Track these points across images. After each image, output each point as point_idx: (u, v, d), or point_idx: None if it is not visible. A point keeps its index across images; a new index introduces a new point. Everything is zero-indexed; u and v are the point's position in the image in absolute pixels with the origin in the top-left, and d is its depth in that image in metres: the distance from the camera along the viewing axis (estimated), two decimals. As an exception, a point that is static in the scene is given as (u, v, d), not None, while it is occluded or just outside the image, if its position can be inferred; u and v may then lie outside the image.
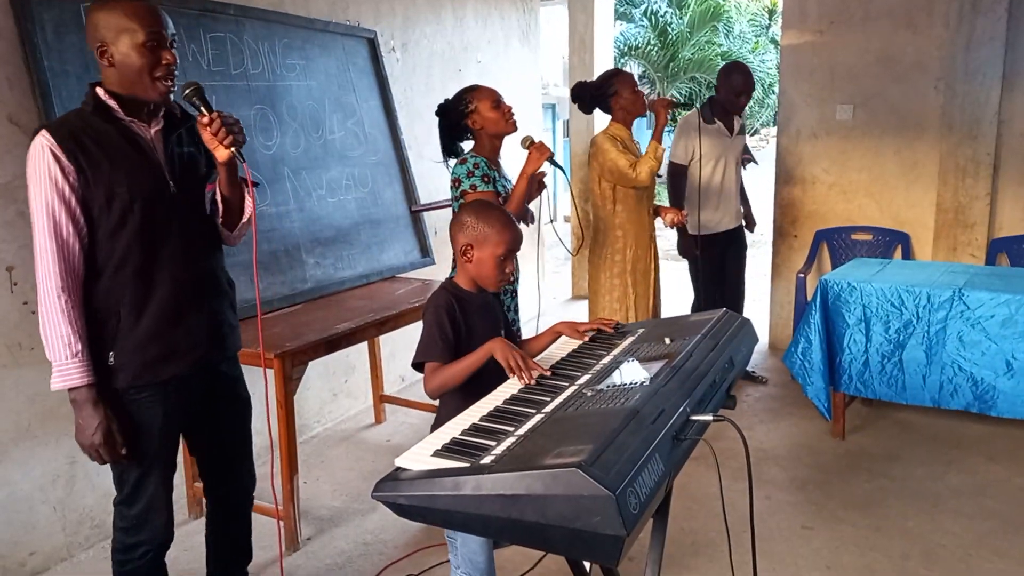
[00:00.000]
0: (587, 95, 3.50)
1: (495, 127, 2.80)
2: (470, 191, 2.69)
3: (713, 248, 4.17)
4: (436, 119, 2.92)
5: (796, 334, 3.66)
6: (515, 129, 2.85)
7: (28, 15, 2.46)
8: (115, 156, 1.75)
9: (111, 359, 1.79)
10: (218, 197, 1.96)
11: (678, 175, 4.13)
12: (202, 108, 1.82)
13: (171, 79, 1.80)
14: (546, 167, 2.81)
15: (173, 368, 1.87)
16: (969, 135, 4.28)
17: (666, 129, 3.46)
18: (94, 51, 1.76)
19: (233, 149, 1.81)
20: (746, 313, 4.43)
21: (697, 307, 4.35)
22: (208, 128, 1.80)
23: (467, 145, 2.93)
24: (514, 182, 2.81)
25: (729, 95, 4.04)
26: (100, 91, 1.78)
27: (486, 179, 2.72)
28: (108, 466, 1.86)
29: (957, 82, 4.26)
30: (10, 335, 2.55)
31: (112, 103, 1.77)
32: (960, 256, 4.39)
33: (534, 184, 2.82)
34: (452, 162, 2.87)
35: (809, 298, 3.72)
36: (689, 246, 4.13)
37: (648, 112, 3.48)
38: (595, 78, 3.59)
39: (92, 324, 1.77)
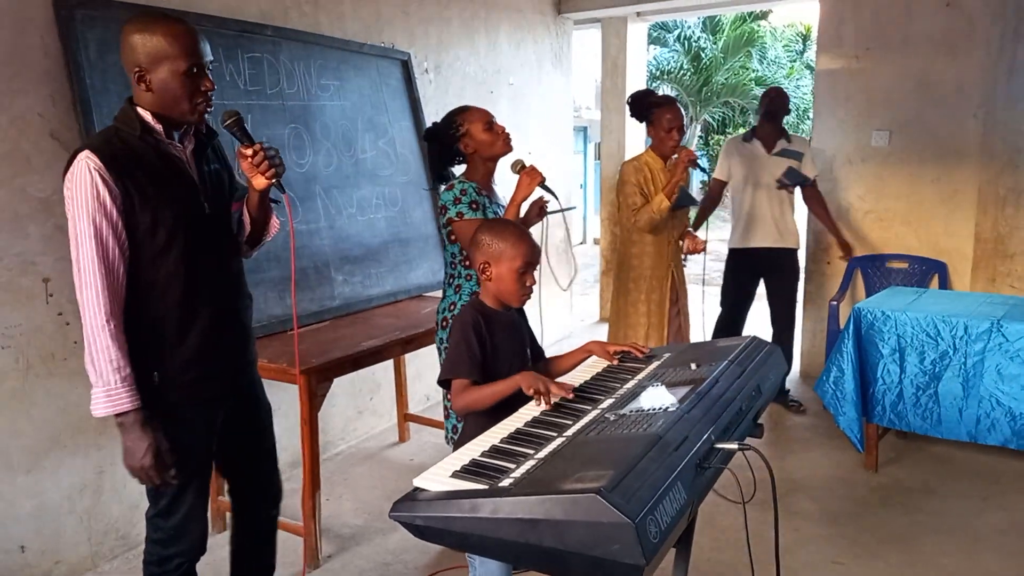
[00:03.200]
0: (642, 107, 3.45)
1: (488, 150, 2.64)
2: (456, 219, 2.54)
3: (743, 264, 4.28)
4: (429, 148, 2.80)
5: (828, 363, 3.58)
6: (510, 149, 2.68)
7: (72, 34, 2.53)
8: (159, 180, 1.75)
9: (156, 379, 1.79)
10: (245, 217, 1.99)
11: (713, 189, 4.43)
12: (243, 139, 1.86)
13: (210, 103, 1.81)
14: (543, 194, 2.68)
15: (215, 387, 1.89)
16: (1010, 164, 4.18)
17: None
18: (130, 73, 1.75)
19: (274, 181, 1.85)
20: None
21: (718, 324, 4.35)
22: (251, 159, 1.82)
23: (460, 169, 2.80)
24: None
25: (763, 105, 4.32)
26: (144, 112, 1.76)
27: (474, 205, 2.55)
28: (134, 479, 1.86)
29: (998, 110, 4.18)
30: (44, 346, 2.60)
31: (157, 126, 1.77)
32: (999, 287, 4.28)
33: (534, 211, 2.70)
34: (442, 188, 2.72)
35: (842, 326, 3.64)
36: (728, 259, 4.38)
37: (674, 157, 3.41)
38: (656, 95, 3.51)
39: (135, 346, 1.75)
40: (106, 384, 1.69)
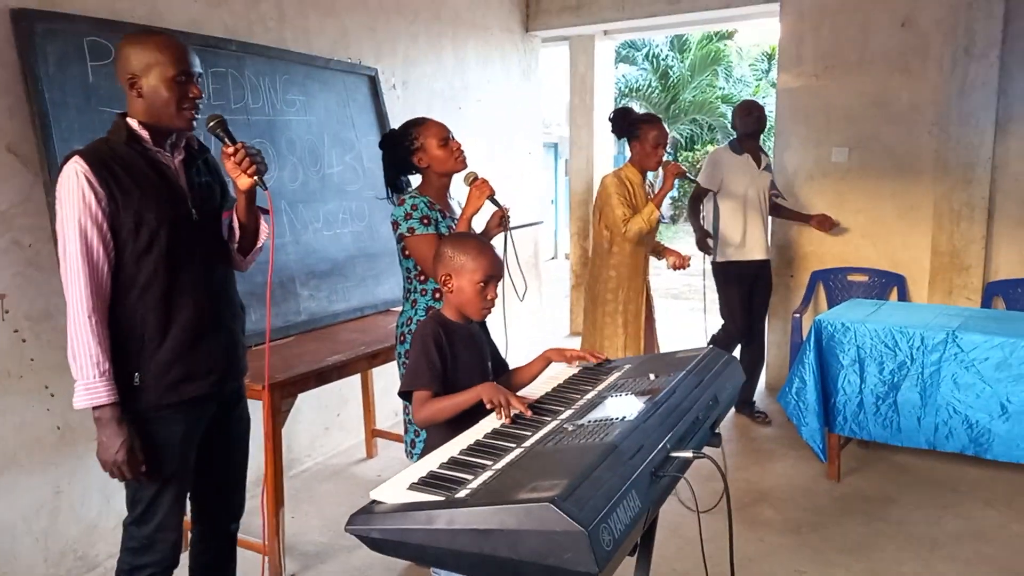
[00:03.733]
0: (624, 124, 3.52)
1: (441, 166, 2.62)
2: (407, 234, 2.53)
3: (741, 276, 4.30)
4: (383, 156, 2.78)
5: (791, 374, 3.64)
6: (464, 167, 2.66)
7: (31, 47, 2.51)
8: (144, 184, 1.83)
9: (136, 380, 1.84)
10: (235, 224, 2.04)
11: (697, 198, 4.42)
12: (226, 139, 1.92)
13: (196, 110, 1.89)
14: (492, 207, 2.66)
15: (193, 389, 1.92)
16: (964, 179, 4.31)
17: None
18: (123, 82, 1.85)
19: (256, 178, 1.90)
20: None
21: (723, 336, 4.37)
22: (232, 158, 1.89)
23: (416, 178, 2.76)
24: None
25: (742, 119, 4.33)
26: (132, 121, 1.85)
27: (425, 220, 2.53)
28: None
29: (951, 126, 4.30)
30: (0, 363, 2.55)
31: (144, 133, 1.85)
32: (956, 299, 4.39)
33: (494, 222, 2.67)
34: (395, 203, 2.69)
35: (804, 338, 3.71)
36: (716, 274, 4.35)
37: (659, 170, 3.51)
38: (643, 112, 3.66)
39: (116, 346, 1.81)
40: (85, 378, 1.76)
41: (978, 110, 4.21)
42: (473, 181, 2.62)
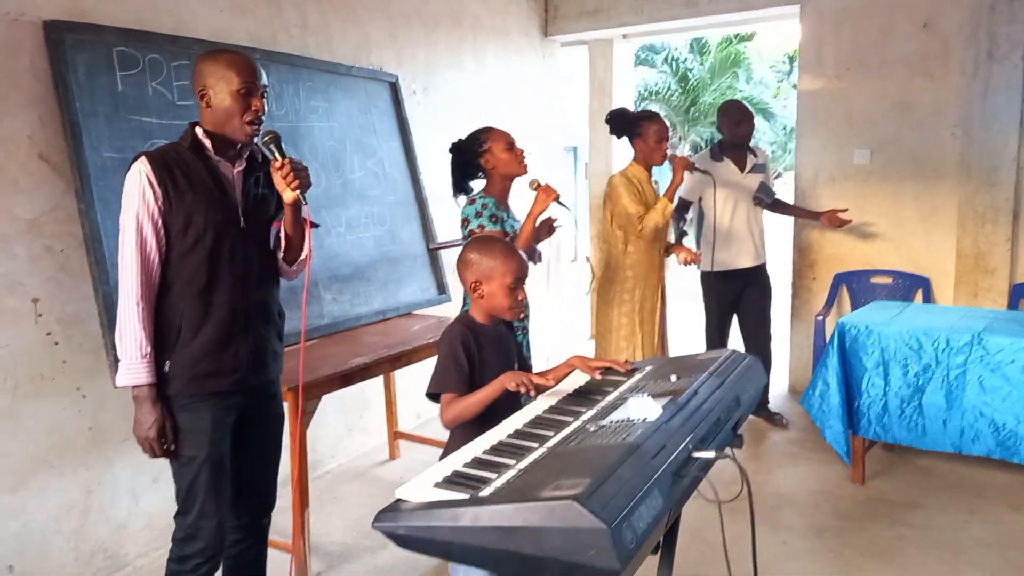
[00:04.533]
0: (622, 124, 3.55)
1: (507, 168, 2.86)
2: (478, 231, 2.75)
3: (728, 286, 4.24)
4: (451, 161, 2.98)
5: (814, 377, 3.62)
6: (526, 171, 2.90)
7: (62, 57, 2.57)
8: (198, 189, 1.96)
9: (167, 367, 1.97)
10: (282, 234, 2.13)
11: (681, 208, 4.29)
12: (276, 153, 2.04)
13: (258, 124, 2.01)
14: (556, 210, 2.85)
15: (215, 384, 2.02)
16: (987, 181, 4.26)
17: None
18: (196, 94, 2.00)
19: (298, 192, 2.00)
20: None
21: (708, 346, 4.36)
22: (279, 171, 2.00)
23: (478, 185, 2.98)
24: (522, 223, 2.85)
25: (730, 128, 4.19)
26: (199, 130, 2.00)
27: (494, 219, 2.77)
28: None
29: (974, 129, 4.26)
30: (33, 366, 2.61)
31: (207, 142, 1.99)
32: (981, 301, 4.34)
33: (544, 227, 2.88)
34: (462, 199, 2.94)
35: (828, 341, 3.69)
36: (701, 282, 4.29)
37: (665, 164, 3.54)
38: (634, 111, 3.66)
39: (155, 333, 1.96)
40: (129, 358, 1.91)
41: (1001, 112, 4.17)
42: (538, 186, 2.83)
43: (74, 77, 2.59)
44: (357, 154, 3.73)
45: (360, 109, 3.82)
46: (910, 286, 4.61)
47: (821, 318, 4.61)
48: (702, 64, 15.46)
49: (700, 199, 4.24)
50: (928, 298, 4.56)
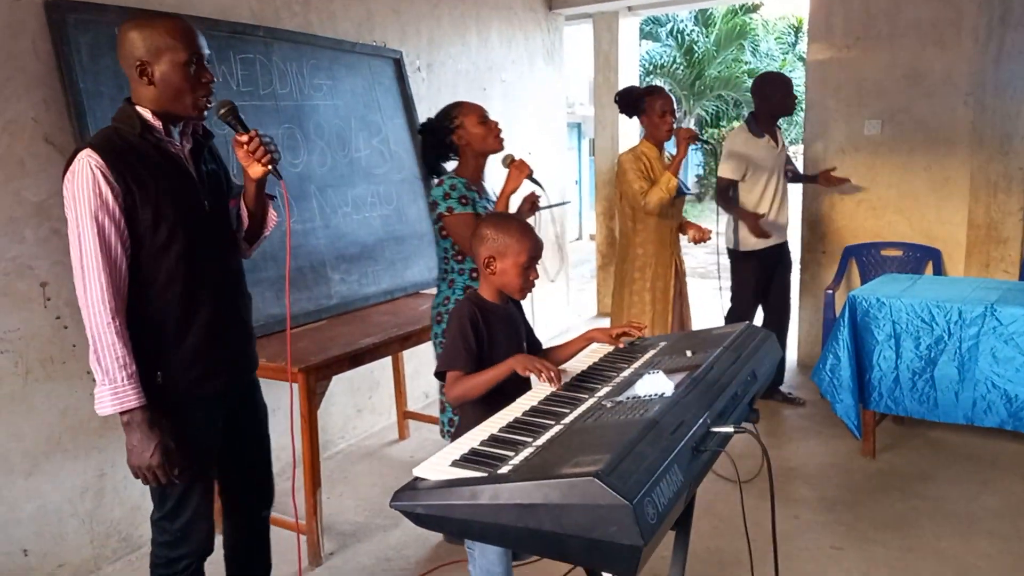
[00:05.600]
0: (629, 102, 3.53)
1: (481, 144, 2.69)
2: (446, 214, 2.59)
3: (765, 264, 4.13)
4: (422, 143, 2.85)
5: (824, 351, 3.60)
6: (501, 147, 2.73)
7: (65, 38, 2.54)
8: (159, 176, 1.75)
9: (159, 378, 1.79)
10: (243, 212, 2.00)
11: (726, 190, 4.06)
12: (238, 127, 1.86)
13: (210, 97, 1.82)
14: (529, 187, 2.72)
15: (214, 384, 1.89)
16: (1000, 150, 4.21)
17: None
18: (130, 69, 1.74)
19: (270, 167, 1.85)
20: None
21: (730, 319, 4.30)
22: (246, 146, 1.83)
23: (452, 165, 2.83)
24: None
25: (780, 100, 4.00)
26: (143, 110, 1.76)
27: (463, 200, 2.59)
28: (138, 479, 1.84)
29: (987, 97, 4.21)
30: (43, 349, 2.61)
31: (157, 123, 1.77)
32: (993, 272, 4.31)
33: (526, 204, 2.75)
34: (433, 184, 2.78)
35: (838, 314, 3.67)
36: (735, 261, 4.15)
37: (672, 138, 3.48)
38: (640, 88, 3.59)
39: (137, 345, 1.74)
40: (112, 382, 1.68)
41: (1015, 79, 4.11)
42: (511, 163, 2.69)
43: (77, 58, 2.56)
44: (362, 132, 3.70)
45: (364, 86, 3.78)
46: (921, 258, 4.57)
47: (831, 292, 4.58)
48: (707, 36, 15.29)
49: (744, 177, 4.03)
50: (939, 270, 4.53)
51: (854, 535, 2.91)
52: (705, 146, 4.32)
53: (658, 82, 15.69)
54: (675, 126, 3.46)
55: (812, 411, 4.20)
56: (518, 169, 2.64)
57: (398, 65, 4.02)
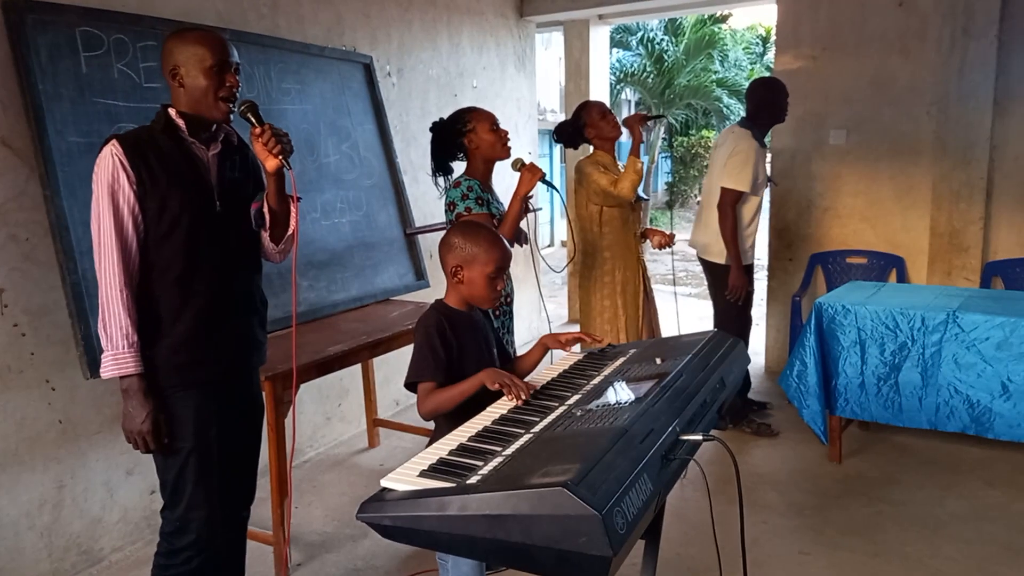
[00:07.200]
0: (566, 134, 3.56)
1: (491, 150, 2.83)
2: (465, 213, 2.71)
3: (749, 279, 3.93)
4: (432, 141, 2.94)
5: (791, 357, 3.64)
6: (509, 155, 2.88)
7: (23, 39, 2.48)
8: (172, 172, 1.90)
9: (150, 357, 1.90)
10: (266, 210, 2.07)
11: (735, 203, 3.76)
12: (254, 121, 1.98)
13: (233, 101, 1.95)
14: (543, 189, 2.84)
15: (200, 375, 1.97)
16: (963, 159, 4.30)
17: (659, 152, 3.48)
18: (167, 75, 1.93)
19: (281, 158, 1.94)
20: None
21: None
22: (260, 139, 1.94)
23: (460, 167, 2.94)
24: (506, 204, 2.82)
25: (781, 106, 3.84)
26: (171, 111, 1.93)
27: (480, 201, 2.74)
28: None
29: (950, 106, 4.29)
30: (0, 358, 2.53)
31: (180, 122, 1.93)
32: (955, 280, 4.39)
33: (526, 205, 2.85)
34: (442, 182, 2.93)
35: (804, 321, 3.71)
36: (720, 277, 3.91)
37: (624, 130, 3.52)
38: (571, 118, 3.57)
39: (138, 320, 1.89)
40: (115, 348, 1.84)
41: (977, 90, 4.20)
42: (522, 166, 2.80)
43: (36, 59, 2.50)
44: (331, 137, 3.66)
45: (334, 91, 3.74)
46: (885, 266, 4.65)
47: (798, 298, 4.64)
48: (677, 45, 15.44)
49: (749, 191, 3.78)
50: (902, 277, 4.60)
51: (822, 540, 2.94)
52: (657, 122, 4.32)
53: (628, 91, 15.81)
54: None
55: (779, 416, 4.23)
56: (531, 172, 2.75)
57: (368, 70, 3.99)
